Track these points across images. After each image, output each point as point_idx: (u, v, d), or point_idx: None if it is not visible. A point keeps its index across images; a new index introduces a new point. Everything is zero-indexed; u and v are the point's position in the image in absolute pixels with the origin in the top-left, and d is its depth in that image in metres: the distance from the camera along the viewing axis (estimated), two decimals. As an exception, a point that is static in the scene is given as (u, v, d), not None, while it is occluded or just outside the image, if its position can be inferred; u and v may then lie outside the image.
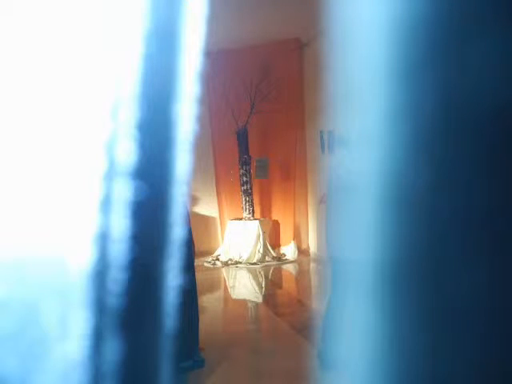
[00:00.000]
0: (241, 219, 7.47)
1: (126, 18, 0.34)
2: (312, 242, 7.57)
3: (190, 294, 2.96)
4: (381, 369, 0.50)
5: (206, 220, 7.94)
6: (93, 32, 0.34)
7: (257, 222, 7.29)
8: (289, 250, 7.54)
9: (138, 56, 0.35)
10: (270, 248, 7.34)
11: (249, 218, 7.42)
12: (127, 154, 0.34)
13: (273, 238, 7.68)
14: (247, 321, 4.49)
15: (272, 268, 6.90)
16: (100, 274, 0.36)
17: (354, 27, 0.44)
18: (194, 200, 7.70)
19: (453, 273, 0.49)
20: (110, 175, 0.35)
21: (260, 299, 5.28)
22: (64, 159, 0.35)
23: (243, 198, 7.46)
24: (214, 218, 8.14)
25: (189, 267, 2.92)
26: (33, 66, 0.33)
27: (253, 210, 7.48)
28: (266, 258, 7.18)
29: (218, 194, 8.10)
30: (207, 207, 7.99)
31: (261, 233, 7.22)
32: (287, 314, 4.39)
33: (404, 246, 0.48)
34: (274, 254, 7.32)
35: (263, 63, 7.25)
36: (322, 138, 5.51)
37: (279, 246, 7.74)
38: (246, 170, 7.42)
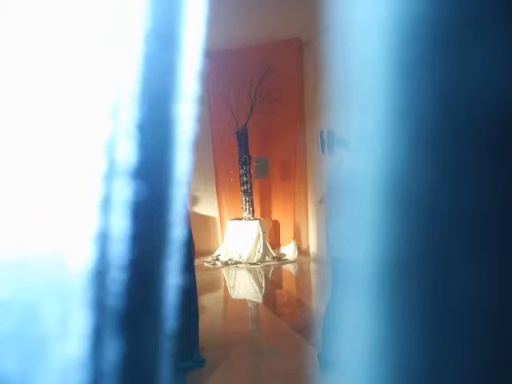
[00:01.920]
0: (241, 219, 7.47)
1: (126, 18, 0.34)
2: (312, 242, 7.57)
3: (190, 294, 2.96)
4: (381, 369, 0.51)
5: (206, 220, 7.94)
6: (92, 32, 0.34)
7: (257, 222, 7.30)
8: (289, 250, 7.54)
9: (137, 56, 0.35)
10: (270, 248, 7.34)
11: (249, 218, 7.42)
12: (127, 153, 0.34)
13: (273, 237, 7.68)
14: (247, 321, 4.49)
15: (272, 268, 6.90)
16: (100, 274, 0.36)
17: (354, 27, 0.45)
18: (194, 200, 7.70)
19: (454, 273, 0.49)
20: (110, 175, 0.35)
21: (260, 299, 5.28)
22: (64, 159, 0.35)
23: (243, 198, 7.46)
24: (214, 218, 8.14)
25: (189, 267, 2.92)
26: (32, 65, 0.33)
27: (253, 210, 7.48)
28: (266, 258, 7.19)
29: (218, 193, 8.10)
30: (207, 207, 7.99)
31: (261, 233, 7.22)
32: (287, 314, 4.40)
33: (404, 246, 0.48)
34: (274, 254, 7.32)
35: (263, 63, 7.25)
36: (321, 137, 5.50)
37: (279, 245, 7.74)
38: (245, 170, 7.42)
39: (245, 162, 7.41)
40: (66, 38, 0.33)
